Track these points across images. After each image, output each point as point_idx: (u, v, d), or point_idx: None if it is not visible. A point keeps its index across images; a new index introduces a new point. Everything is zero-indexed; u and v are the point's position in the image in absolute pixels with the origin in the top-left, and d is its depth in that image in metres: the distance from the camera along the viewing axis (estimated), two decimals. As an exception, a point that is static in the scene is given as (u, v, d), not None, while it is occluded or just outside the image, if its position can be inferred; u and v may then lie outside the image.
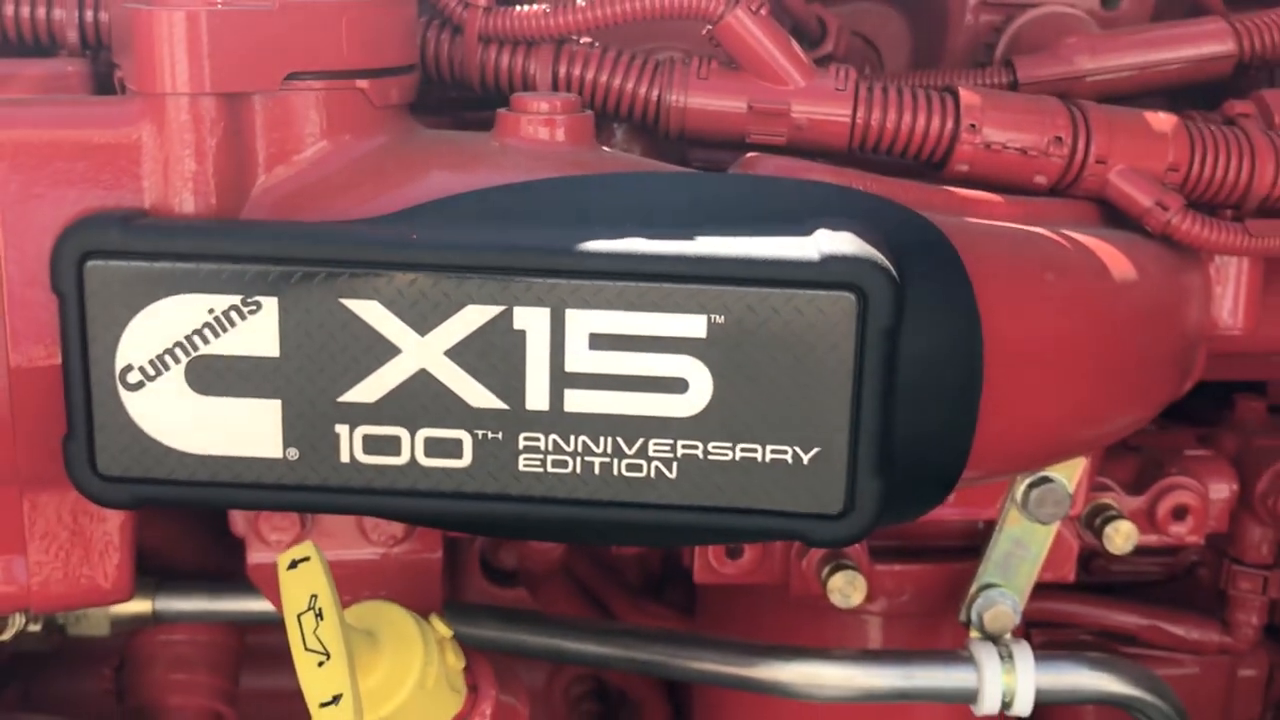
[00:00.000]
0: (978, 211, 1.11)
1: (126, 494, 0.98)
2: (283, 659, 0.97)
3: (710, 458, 0.95)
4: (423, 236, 0.94)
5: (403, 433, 0.96)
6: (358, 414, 0.96)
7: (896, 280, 0.92)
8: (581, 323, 0.93)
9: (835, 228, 0.94)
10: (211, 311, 0.94)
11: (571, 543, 1.47)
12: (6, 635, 1.27)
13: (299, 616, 0.94)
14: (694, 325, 0.92)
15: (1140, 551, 1.63)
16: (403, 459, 0.96)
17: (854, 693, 1.20)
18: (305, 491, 0.98)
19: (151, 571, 1.40)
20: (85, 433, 0.96)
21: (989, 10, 1.38)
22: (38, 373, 1.00)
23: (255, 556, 1.15)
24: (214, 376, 0.95)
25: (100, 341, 0.95)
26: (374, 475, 0.97)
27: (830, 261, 0.91)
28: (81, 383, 0.95)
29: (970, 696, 1.20)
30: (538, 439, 0.96)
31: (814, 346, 0.92)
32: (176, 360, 0.95)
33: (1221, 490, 1.44)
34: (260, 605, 1.33)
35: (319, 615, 0.94)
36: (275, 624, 1.02)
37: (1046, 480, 1.21)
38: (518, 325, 0.93)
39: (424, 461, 0.96)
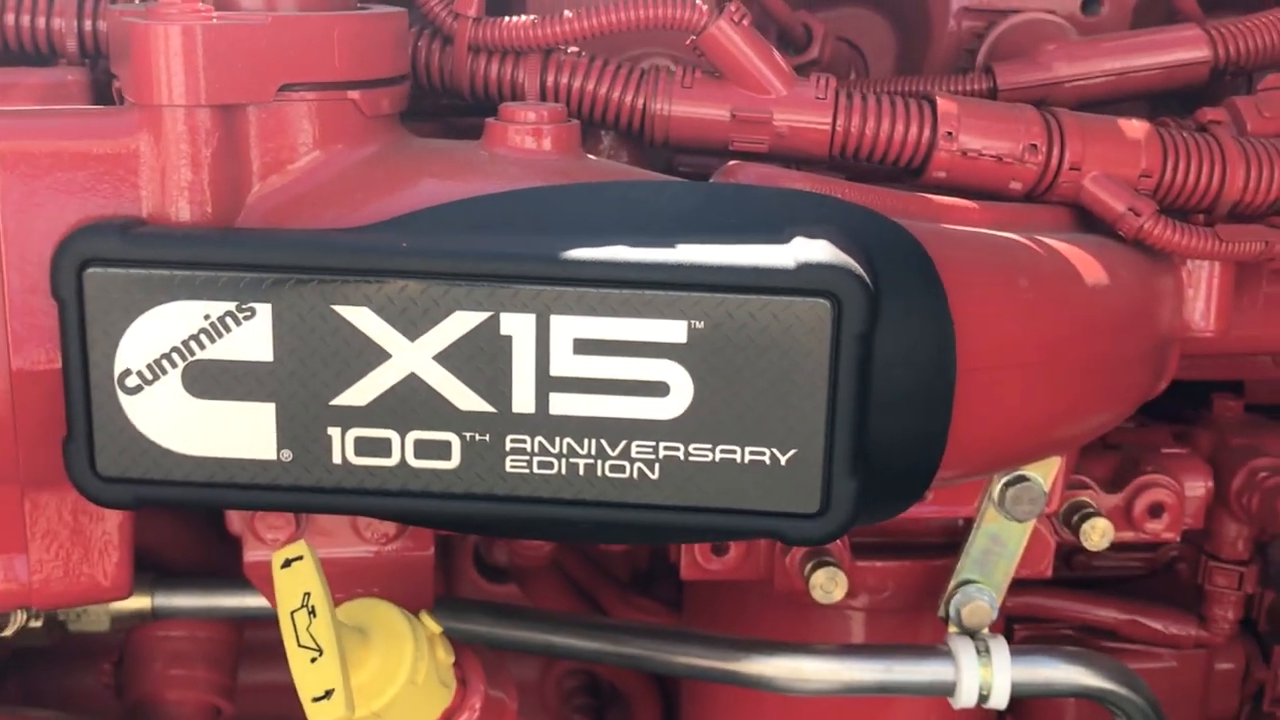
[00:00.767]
0: (954, 218, 1.13)
1: (125, 494, 1.00)
2: (279, 654, 0.98)
3: (691, 459, 0.98)
4: (412, 244, 0.96)
5: (393, 435, 0.98)
6: (349, 417, 0.98)
7: (870, 287, 0.94)
8: (566, 328, 0.95)
9: (811, 235, 0.97)
10: (207, 317, 0.96)
11: (557, 541, 1.48)
12: (8, 631, 1.29)
13: (292, 614, 0.96)
14: (675, 331, 0.95)
15: (1121, 548, 1.64)
16: (393, 460, 0.99)
17: (835, 686, 1.22)
18: (299, 492, 1.00)
19: (150, 569, 1.41)
20: (85, 435, 0.98)
21: (971, 17, 1.40)
22: (38, 376, 1.01)
23: (251, 555, 1.17)
24: (210, 380, 0.97)
25: (99, 346, 0.97)
26: (365, 476, 0.99)
27: (805, 269, 0.94)
28: (81, 386, 0.97)
29: (948, 690, 1.22)
30: (524, 441, 0.98)
31: (790, 351, 0.95)
32: (174, 364, 0.97)
33: (1197, 488, 1.46)
34: (256, 601, 1.34)
35: (312, 612, 0.96)
36: (272, 620, 1.03)
37: (1022, 479, 1.23)
38: (504, 331, 0.96)
39: (414, 463, 0.99)
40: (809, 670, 1.22)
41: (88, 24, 1.20)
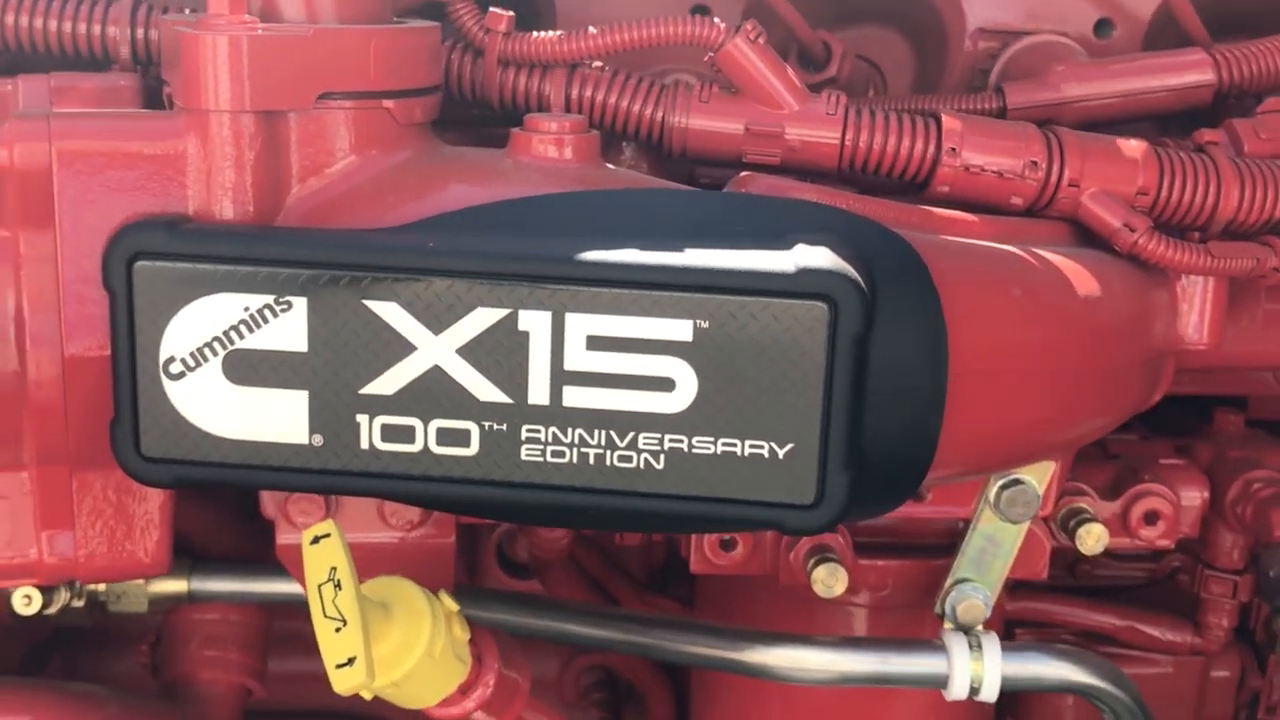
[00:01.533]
0: (955, 230, 1.16)
1: (167, 474, 1.05)
2: (306, 644, 1.01)
3: (694, 451, 1.02)
4: (439, 245, 1.02)
5: (417, 423, 1.03)
6: (377, 405, 1.03)
7: (866, 291, 0.99)
8: (580, 325, 1.00)
9: (812, 243, 1.01)
10: (247, 309, 1.02)
11: (567, 527, 1.51)
12: (53, 609, 1.32)
13: (319, 587, 1.00)
14: (681, 330, 1.00)
15: (1124, 557, 1.68)
16: (416, 447, 1.04)
17: (834, 676, 1.25)
18: (328, 475, 1.05)
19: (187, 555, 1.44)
20: (131, 418, 1.04)
21: (987, 37, 1.43)
22: (89, 362, 1.07)
23: (283, 538, 1.21)
24: (248, 368, 1.03)
25: (146, 334, 1.02)
26: (390, 461, 1.04)
27: (805, 273, 0.99)
28: (128, 372, 1.03)
29: (941, 682, 1.25)
30: (538, 431, 1.03)
31: (789, 351, 0.99)
32: (215, 353, 1.03)
33: (1193, 497, 1.46)
34: (287, 587, 1.39)
35: (338, 586, 1.00)
36: (301, 608, 1.07)
37: (1017, 482, 1.25)
38: (522, 327, 1.01)
39: (435, 449, 1.04)
40: (808, 660, 1.25)
41: (140, 32, 1.25)
